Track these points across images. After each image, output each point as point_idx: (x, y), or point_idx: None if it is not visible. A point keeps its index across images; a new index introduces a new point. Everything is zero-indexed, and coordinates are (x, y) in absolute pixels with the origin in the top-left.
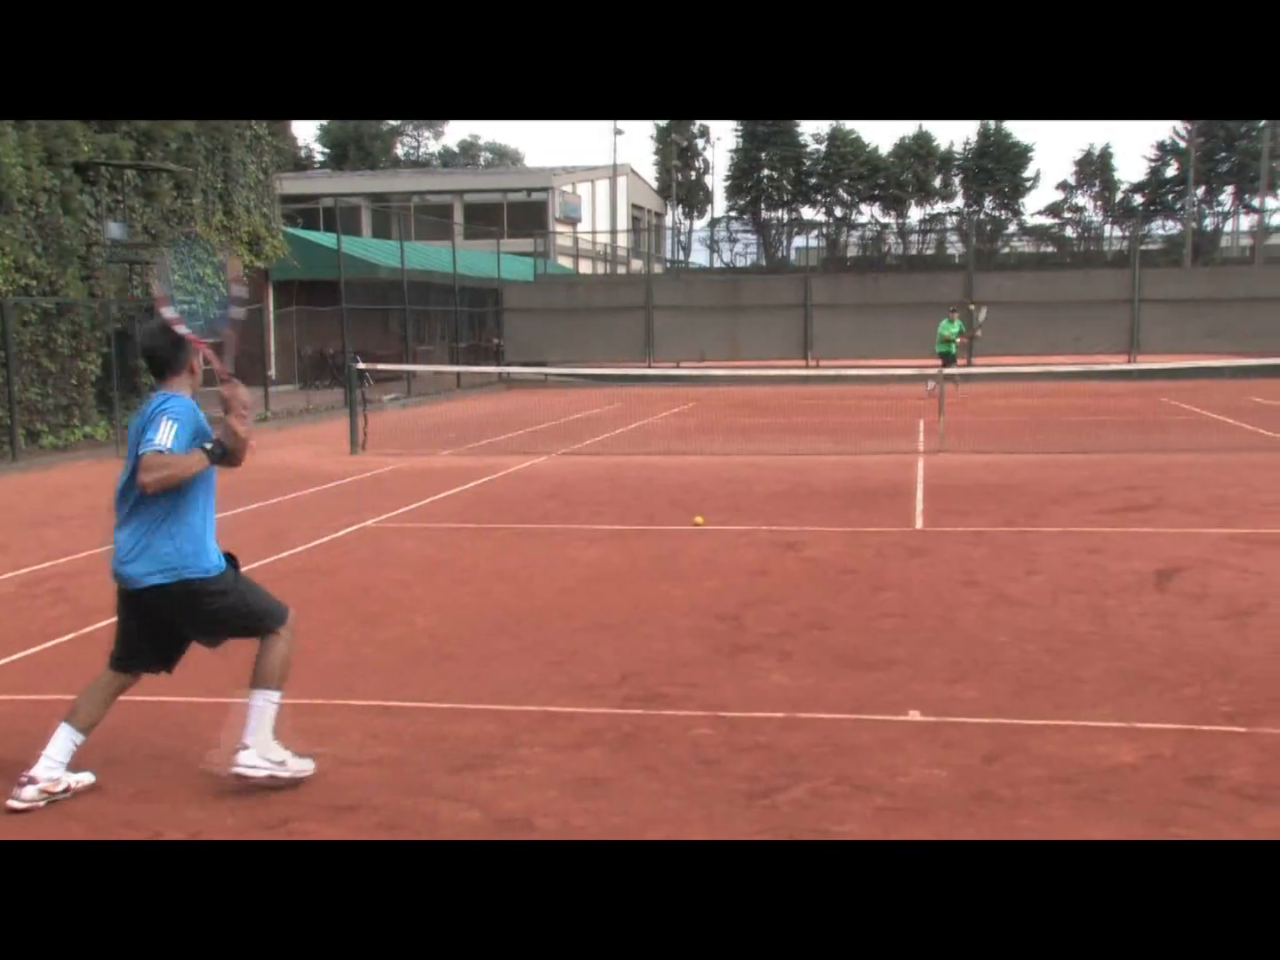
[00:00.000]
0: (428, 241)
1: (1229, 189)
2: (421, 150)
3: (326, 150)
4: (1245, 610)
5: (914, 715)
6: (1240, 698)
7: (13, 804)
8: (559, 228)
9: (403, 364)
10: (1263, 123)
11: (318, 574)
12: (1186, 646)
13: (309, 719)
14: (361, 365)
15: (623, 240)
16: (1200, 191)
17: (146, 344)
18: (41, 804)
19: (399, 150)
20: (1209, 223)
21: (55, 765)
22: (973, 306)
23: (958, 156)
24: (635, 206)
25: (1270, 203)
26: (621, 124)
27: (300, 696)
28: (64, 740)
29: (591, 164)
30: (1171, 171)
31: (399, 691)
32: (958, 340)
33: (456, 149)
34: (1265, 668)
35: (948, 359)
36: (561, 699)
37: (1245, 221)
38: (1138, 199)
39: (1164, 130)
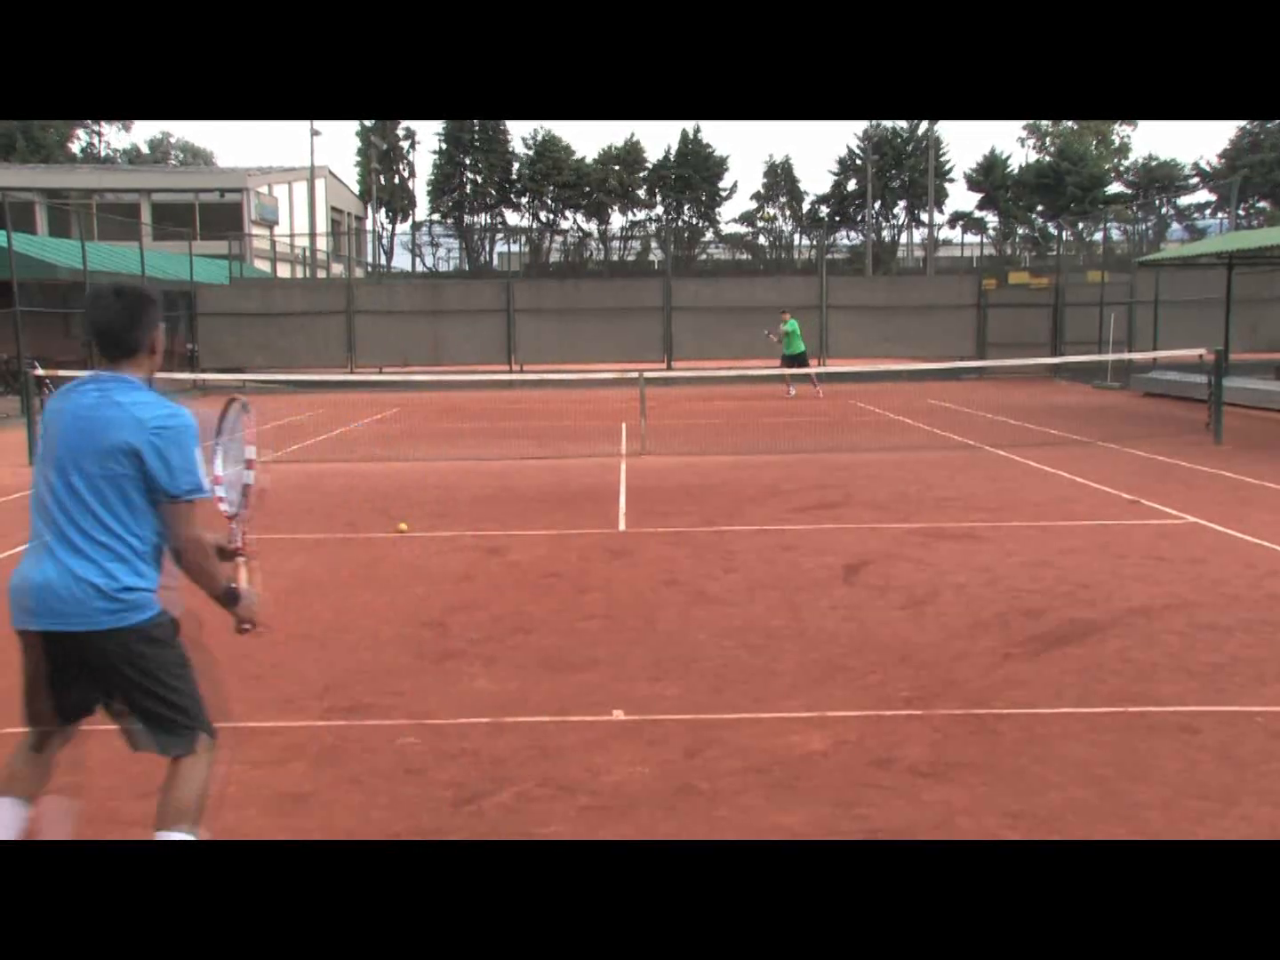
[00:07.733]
0: (113, 242)
1: (902, 204)
2: (107, 146)
3: None
4: (921, 600)
5: (617, 715)
6: (916, 682)
7: None
8: (255, 230)
9: (87, 370)
10: (925, 143)
11: None
12: (871, 636)
13: None
14: (40, 371)
15: (322, 244)
16: (877, 205)
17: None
18: None
19: (76, 144)
20: (886, 235)
21: None
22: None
23: (661, 165)
24: (335, 209)
25: (937, 218)
26: (320, 125)
27: None
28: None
29: (288, 165)
30: (853, 185)
31: None
32: None
33: (146, 146)
34: (937, 653)
35: None
36: (261, 714)
37: (918, 234)
38: (824, 210)
39: (843, 147)
